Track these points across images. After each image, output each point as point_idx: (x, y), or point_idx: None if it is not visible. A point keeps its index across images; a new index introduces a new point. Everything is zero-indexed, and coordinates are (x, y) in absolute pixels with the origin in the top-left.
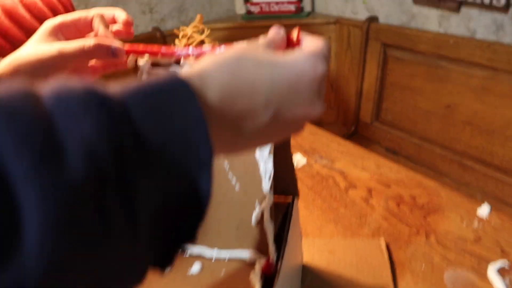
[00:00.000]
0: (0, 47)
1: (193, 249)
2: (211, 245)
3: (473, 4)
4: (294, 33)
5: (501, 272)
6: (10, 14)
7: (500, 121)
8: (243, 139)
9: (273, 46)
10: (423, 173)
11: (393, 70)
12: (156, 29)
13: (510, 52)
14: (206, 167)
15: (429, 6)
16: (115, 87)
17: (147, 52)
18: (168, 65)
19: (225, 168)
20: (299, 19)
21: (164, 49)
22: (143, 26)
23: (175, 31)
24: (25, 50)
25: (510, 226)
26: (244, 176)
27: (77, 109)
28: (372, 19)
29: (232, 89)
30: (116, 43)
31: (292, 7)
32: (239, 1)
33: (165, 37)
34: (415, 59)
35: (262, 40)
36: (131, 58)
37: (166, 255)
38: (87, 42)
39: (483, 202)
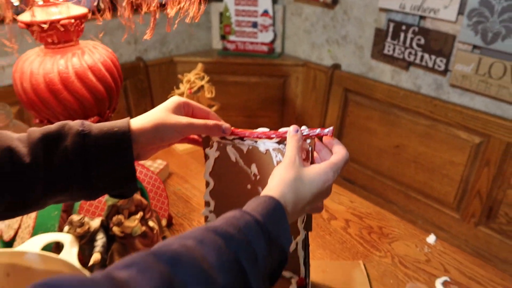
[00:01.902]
0: (70, 103)
1: None
2: None
3: (419, 66)
4: (327, 137)
5: (445, 284)
6: (81, 77)
7: (439, 162)
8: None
9: (301, 154)
10: (375, 201)
11: (352, 112)
12: (139, 58)
13: (447, 107)
14: (289, 243)
15: (383, 62)
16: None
17: (240, 133)
18: (233, 139)
19: None
20: (271, 59)
21: (252, 132)
22: (127, 55)
23: (179, 76)
24: (158, 114)
25: (449, 251)
26: None
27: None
28: (336, 66)
29: (296, 203)
30: (225, 124)
31: (265, 48)
32: (216, 37)
33: (147, 67)
34: (371, 105)
35: (295, 154)
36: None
37: (273, 283)
38: (209, 121)
39: (428, 232)
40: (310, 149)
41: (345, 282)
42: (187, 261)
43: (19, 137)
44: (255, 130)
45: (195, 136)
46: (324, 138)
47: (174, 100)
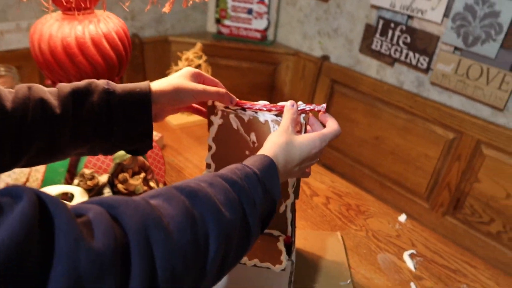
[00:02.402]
0: (84, 67)
1: None
2: None
3: (404, 63)
4: (321, 113)
5: (411, 256)
6: (96, 44)
7: (414, 155)
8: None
9: (294, 124)
10: (352, 188)
11: (338, 102)
12: (135, 35)
13: (426, 103)
14: (279, 196)
15: (371, 57)
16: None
17: (243, 104)
18: (236, 109)
19: None
20: (263, 46)
21: (253, 104)
22: None
23: (179, 53)
24: (177, 80)
25: (418, 229)
26: None
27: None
28: (325, 58)
29: (286, 163)
30: (233, 96)
31: (258, 35)
32: (211, 20)
33: (143, 44)
34: (356, 97)
35: (289, 123)
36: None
37: (263, 230)
38: (221, 90)
39: (401, 211)
40: (304, 122)
41: (323, 249)
42: (202, 196)
43: (49, 91)
44: (256, 102)
45: (200, 107)
46: (319, 115)
47: (189, 69)
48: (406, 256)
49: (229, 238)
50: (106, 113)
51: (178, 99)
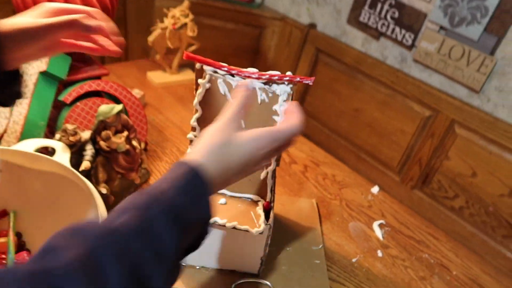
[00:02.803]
0: None
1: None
2: (232, 190)
3: (389, 37)
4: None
5: (380, 226)
6: None
7: (391, 129)
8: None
9: (242, 115)
10: (329, 158)
11: (321, 72)
12: None
13: (407, 80)
14: (209, 216)
15: (357, 28)
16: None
17: (231, 70)
18: (224, 75)
19: None
20: (250, 8)
21: (242, 71)
22: None
23: (165, 10)
24: (18, 20)
25: (388, 201)
26: None
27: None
28: (312, 26)
29: (222, 170)
30: (93, 22)
31: None
32: None
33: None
34: (339, 68)
35: (233, 115)
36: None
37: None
38: (72, 17)
39: (374, 183)
40: (291, 93)
41: (299, 215)
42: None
43: None
44: (245, 69)
45: (73, 41)
46: (287, 108)
47: (45, 7)
48: (375, 225)
49: None
50: None
51: (24, 41)
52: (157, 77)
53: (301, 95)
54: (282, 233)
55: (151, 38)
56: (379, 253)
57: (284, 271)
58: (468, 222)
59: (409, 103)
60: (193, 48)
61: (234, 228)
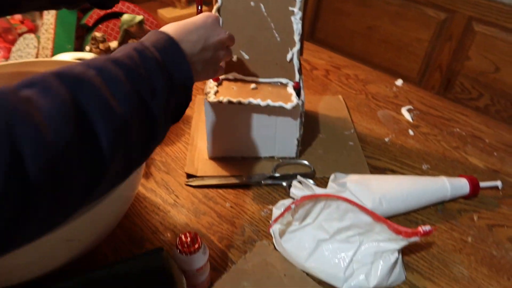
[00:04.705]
0: None
1: (248, 79)
2: (261, 76)
3: None
4: None
5: (409, 110)
6: None
7: (407, 40)
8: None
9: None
10: (350, 62)
11: None
12: None
13: None
14: (191, 81)
15: None
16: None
17: None
18: None
19: (272, 27)
20: None
21: None
22: None
23: None
24: None
25: (414, 90)
26: (283, 32)
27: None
28: None
29: (188, 43)
30: None
31: None
32: None
33: None
34: None
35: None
36: None
37: (179, 118)
38: None
39: (397, 77)
40: None
41: (327, 109)
42: (88, 87)
43: None
44: None
45: None
46: None
47: None
48: (404, 110)
49: (124, 134)
50: None
51: None
52: (168, 12)
53: (311, 24)
54: (313, 124)
55: None
56: (411, 132)
57: (320, 154)
58: (495, 120)
59: (423, 9)
60: None
61: (268, 105)
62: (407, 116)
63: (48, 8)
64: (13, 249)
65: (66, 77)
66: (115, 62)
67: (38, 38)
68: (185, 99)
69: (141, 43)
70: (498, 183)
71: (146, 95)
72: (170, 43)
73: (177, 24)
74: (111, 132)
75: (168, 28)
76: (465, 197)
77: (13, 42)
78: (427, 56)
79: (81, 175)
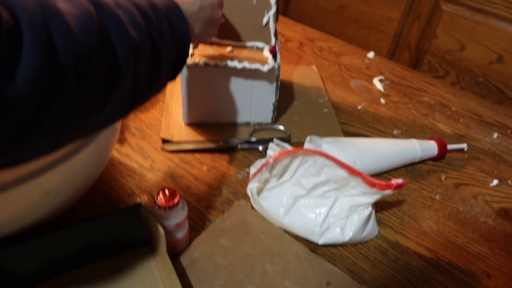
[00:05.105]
0: None
1: (224, 42)
2: (237, 39)
3: None
4: None
5: (380, 81)
6: None
7: (377, 19)
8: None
9: None
10: (323, 35)
11: None
12: None
13: None
14: (189, 38)
15: None
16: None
17: None
18: None
19: None
20: None
21: None
22: None
23: None
24: None
25: (385, 61)
26: None
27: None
28: None
29: (194, 8)
30: None
31: None
32: None
33: None
34: None
35: None
36: None
37: (176, 75)
38: None
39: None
40: None
41: (301, 77)
42: (107, 9)
43: None
44: None
45: None
46: None
47: None
48: (375, 80)
49: (137, 57)
50: None
51: None
52: None
53: (283, 2)
54: (288, 93)
55: None
56: (382, 101)
57: (295, 120)
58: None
59: None
60: None
61: (244, 68)
62: (379, 86)
63: None
64: (29, 150)
65: None
66: (129, 0)
67: None
68: (183, 54)
69: None
70: (464, 146)
71: (154, 34)
72: (170, 2)
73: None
74: (125, 48)
75: None
76: (434, 159)
77: None
78: (397, 35)
79: (100, 77)
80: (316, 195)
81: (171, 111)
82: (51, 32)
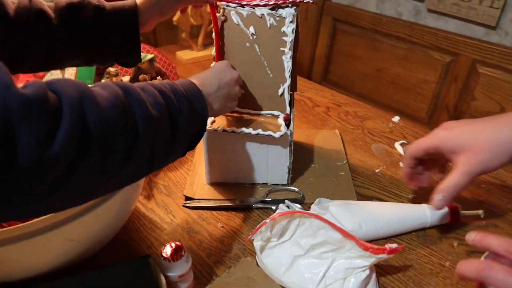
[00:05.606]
0: None
1: (243, 111)
2: (255, 109)
3: None
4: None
5: (402, 145)
6: None
7: (414, 81)
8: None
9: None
10: (351, 100)
11: (340, 40)
12: None
13: (423, 30)
14: (207, 114)
15: None
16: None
17: (241, 1)
18: (235, 7)
19: (265, 65)
20: None
21: (250, 0)
22: None
23: None
24: None
25: (410, 126)
26: (275, 69)
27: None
28: None
29: (205, 86)
30: None
31: None
32: None
33: None
34: (357, 32)
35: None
36: None
37: (194, 145)
38: None
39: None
40: (296, 13)
41: (322, 141)
42: (134, 92)
43: (47, 4)
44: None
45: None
46: None
47: None
48: (397, 144)
49: (155, 130)
50: (98, 27)
51: (162, 9)
52: (185, 54)
53: (324, 67)
54: (308, 155)
55: (175, 18)
56: (401, 164)
57: (311, 182)
58: None
59: (429, 53)
60: None
61: (258, 134)
62: (400, 149)
63: (83, 65)
64: (60, 201)
65: (118, 84)
66: (152, 85)
67: (63, 73)
68: (201, 129)
69: (170, 82)
70: (480, 212)
71: (174, 112)
72: (191, 84)
73: (198, 74)
74: (145, 120)
75: (191, 77)
76: (447, 224)
77: (42, 77)
78: (435, 97)
79: (121, 142)
80: (314, 255)
81: (197, 170)
82: (84, 110)
